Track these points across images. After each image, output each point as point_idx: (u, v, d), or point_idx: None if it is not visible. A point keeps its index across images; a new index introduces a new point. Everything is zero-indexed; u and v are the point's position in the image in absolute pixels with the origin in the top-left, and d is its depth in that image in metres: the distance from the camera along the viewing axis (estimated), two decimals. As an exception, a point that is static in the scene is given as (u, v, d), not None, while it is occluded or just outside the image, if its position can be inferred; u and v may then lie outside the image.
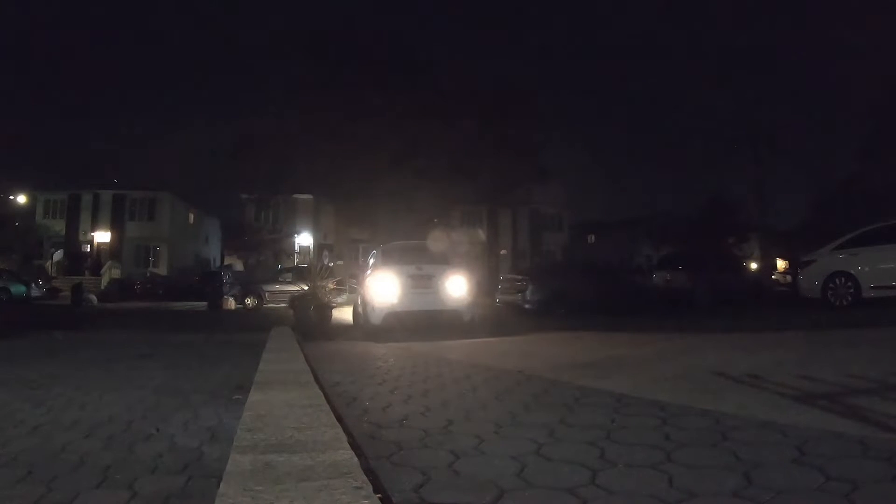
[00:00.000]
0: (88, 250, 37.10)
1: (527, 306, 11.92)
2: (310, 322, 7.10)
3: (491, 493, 1.48)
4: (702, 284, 13.19)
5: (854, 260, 9.07)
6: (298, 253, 36.88)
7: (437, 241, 10.61)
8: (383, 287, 7.40)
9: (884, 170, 25.70)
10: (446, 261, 8.36)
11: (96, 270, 33.89)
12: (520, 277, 13.31)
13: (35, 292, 22.69)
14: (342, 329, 7.92)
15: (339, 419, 2.18)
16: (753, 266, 26.31)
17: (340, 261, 33.67)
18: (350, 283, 20.75)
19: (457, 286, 7.61)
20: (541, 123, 24.15)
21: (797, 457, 1.64)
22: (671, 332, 6.25)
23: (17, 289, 21.47)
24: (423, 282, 7.55)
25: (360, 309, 8.34)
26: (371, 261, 8.86)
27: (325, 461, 1.59)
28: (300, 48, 22.86)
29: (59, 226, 36.87)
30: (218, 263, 41.16)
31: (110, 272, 32.44)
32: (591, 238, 45.49)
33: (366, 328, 7.49)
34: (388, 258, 8.16)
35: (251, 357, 4.18)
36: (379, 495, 1.38)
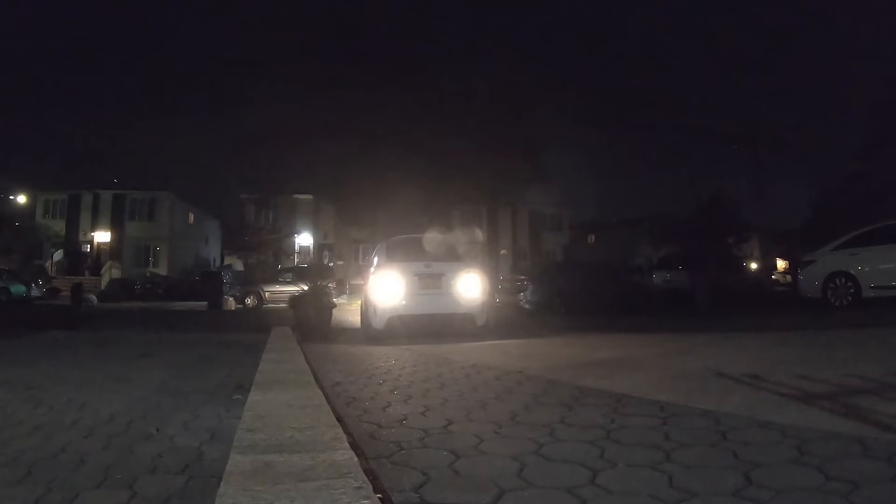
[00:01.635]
0: (88, 250, 37.13)
1: (527, 306, 11.93)
2: (310, 322, 6.91)
3: (491, 493, 1.48)
4: (702, 284, 13.19)
5: (854, 260, 9.07)
6: (298, 253, 36.91)
7: (447, 234, 9.32)
8: (387, 287, 6.70)
9: (884, 170, 25.70)
10: (458, 257, 7.54)
11: (96, 270, 33.91)
12: (521, 277, 13.31)
13: (35, 292, 22.70)
14: (343, 331, 7.84)
15: (339, 419, 2.18)
16: (753, 266, 26.32)
17: (340, 261, 33.71)
18: (351, 283, 20.75)
19: (470, 286, 6.84)
20: (541, 123, 24.17)
21: (797, 457, 1.64)
22: (671, 333, 6.26)
23: (17, 289, 21.47)
24: (432, 281, 6.80)
25: (363, 310, 7.60)
26: (374, 258, 7.98)
27: (325, 461, 1.59)
28: (300, 48, 22.90)
29: (59, 226, 36.90)
30: (218, 263, 41.18)
31: (110, 272, 32.47)
32: (591, 238, 45.53)
33: (368, 332, 6.88)
34: (392, 254, 7.39)
35: (251, 357, 4.18)
36: (379, 495, 1.38)
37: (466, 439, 1.97)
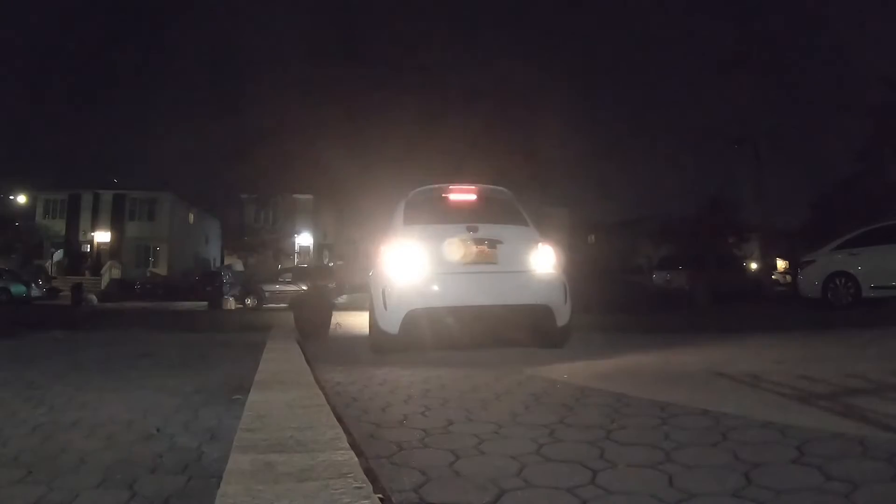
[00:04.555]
0: (88, 250, 37.22)
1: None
2: (310, 323, 6.86)
3: (491, 493, 1.48)
4: (702, 284, 13.21)
5: (854, 260, 9.09)
6: (298, 253, 36.96)
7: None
8: (406, 264, 4.37)
9: (884, 170, 25.72)
10: (520, 218, 4.89)
11: (96, 270, 33.98)
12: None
13: (35, 292, 22.73)
14: (341, 338, 7.69)
15: (339, 419, 2.18)
16: (753, 266, 26.34)
17: (340, 261, 33.74)
18: (350, 283, 20.74)
19: (545, 262, 4.55)
20: (541, 123, 24.22)
21: (797, 457, 1.64)
22: (671, 332, 6.26)
23: (17, 289, 21.50)
24: (480, 252, 4.45)
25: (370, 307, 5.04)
26: (390, 223, 5.14)
27: (325, 461, 1.59)
28: (301, 47, 22.95)
29: (59, 226, 37.00)
30: (218, 263, 41.24)
31: (110, 272, 32.54)
32: (591, 238, 45.51)
33: (375, 340, 4.62)
34: (417, 213, 4.83)
35: (251, 357, 4.18)
36: (379, 495, 1.38)
37: (466, 439, 1.97)
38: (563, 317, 4.50)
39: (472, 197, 5.16)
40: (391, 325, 4.33)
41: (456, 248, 4.44)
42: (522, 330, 4.73)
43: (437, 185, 5.25)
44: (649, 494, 1.43)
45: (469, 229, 4.51)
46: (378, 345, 4.56)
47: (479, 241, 4.48)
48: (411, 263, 4.39)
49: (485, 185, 5.45)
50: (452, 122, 21.74)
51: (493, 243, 4.50)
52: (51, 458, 1.87)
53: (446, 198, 5.08)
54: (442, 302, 4.35)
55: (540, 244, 4.64)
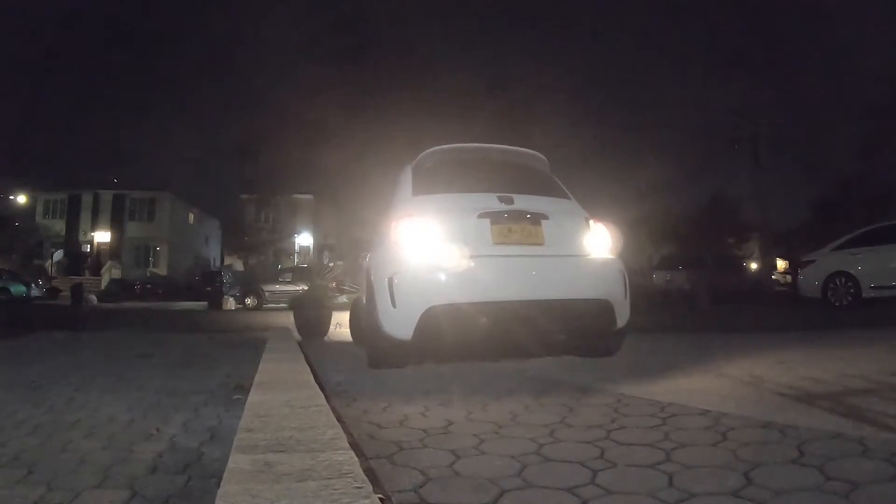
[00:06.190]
0: (88, 250, 37.25)
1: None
2: (310, 323, 6.86)
3: (491, 493, 1.48)
4: (702, 284, 13.22)
5: (854, 260, 9.11)
6: (298, 253, 36.97)
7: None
8: (422, 249, 3.33)
9: (884, 170, 25.72)
10: (560, 191, 3.93)
11: (96, 270, 34.01)
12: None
13: (35, 292, 22.78)
14: (345, 340, 7.65)
15: (339, 419, 2.18)
16: (753, 266, 26.36)
17: (340, 261, 33.77)
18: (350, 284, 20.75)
19: (597, 244, 3.64)
20: (540, 122, 24.24)
21: (797, 457, 1.64)
22: (670, 332, 6.26)
23: (17, 289, 21.54)
24: (520, 231, 3.46)
25: (363, 308, 3.97)
26: (395, 194, 3.98)
27: (325, 461, 1.59)
28: (301, 47, 23.00)
29: (59, 226, 37.06)
30: (218, 263, 41.29)
31: (110, 272, 32.58)
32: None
33: (376, 351, 3.56)
34: (428, 182, 3.77)
35: (251, 357, 4.18)
36: (379, 495, 1.38)
37: (466, 439, 1.97)
38: (623, 316, 3.59)
39: (500, 160, 4.20)
40: (402, 328, 3.27)
41: (490, 222, 3.41)
42: (566, 333, 3.80)
43: (452, 146, 4.15)
44: (649, 494, 1.43)
45: (502, 200, 3.52)
46: (381, 356, 3.50)
47: (517, 216, 3.46)
48: (427, 245, 3.32)
49: (514, 147, 4.44)
50: (453, 121, 21.76)
51: (536, 218, 3.48)
52: (51, 458, 1.87)
53: (466, 160, 4.08)
54: (471, 296, 3.24)
55: (591, 221, 3.72)
